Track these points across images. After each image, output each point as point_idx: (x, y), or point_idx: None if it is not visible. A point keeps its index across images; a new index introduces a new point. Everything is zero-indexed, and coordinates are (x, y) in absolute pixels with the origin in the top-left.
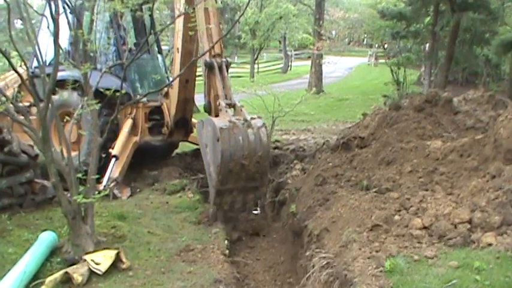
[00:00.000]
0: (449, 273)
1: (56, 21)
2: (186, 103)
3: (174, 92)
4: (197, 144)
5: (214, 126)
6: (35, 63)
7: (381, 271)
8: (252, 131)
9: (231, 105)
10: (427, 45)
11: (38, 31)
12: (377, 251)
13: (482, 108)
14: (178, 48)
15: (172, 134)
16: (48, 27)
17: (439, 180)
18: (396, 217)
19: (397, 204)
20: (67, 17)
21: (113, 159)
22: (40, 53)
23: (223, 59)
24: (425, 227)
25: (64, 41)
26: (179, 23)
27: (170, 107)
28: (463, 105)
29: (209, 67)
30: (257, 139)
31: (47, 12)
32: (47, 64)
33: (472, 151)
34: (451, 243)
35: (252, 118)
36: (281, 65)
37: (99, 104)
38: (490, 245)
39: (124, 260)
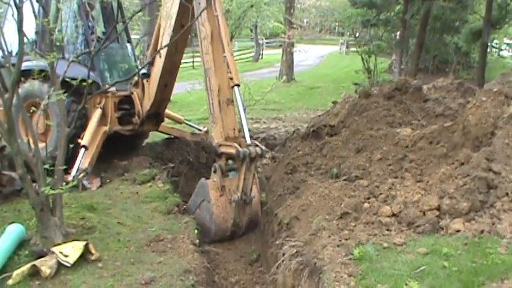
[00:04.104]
0: (418, 259)
1: (19, 9)
2: (162, 102)
3: (151, 93)
4: (168, 134)
5: (212, 227)
6: (1, 53)
7: (350, 259)
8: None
9: (245, 201)
10: (398, 33)
11: (3, 21)
12: (346, 239)
13: (451, 96)
14: (160, 54)
15: (143, 124)
16: (13, 15)
17: (409, 167)
18: (365, 205)
19: (367, 192)
20: (32, 6)
21: (82, 150)
22: (5, 42)
23: (257, 148)
24: (394, 215)
25: (30, 31)
26: (166, 30)
27: (144, 103)
28: (432, 92)
29: (241, 160)
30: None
31: (12, 1)
32: (14, 54)
33: (441, 138)
34: (420, 230)
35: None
36: (252, 54)
37: (66, 94)
38: (458, 231)
39: (93, 251)
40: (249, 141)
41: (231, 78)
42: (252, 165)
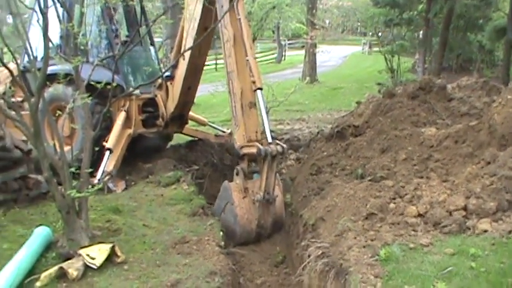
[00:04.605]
0: (445, 260)
1: (45, 15)
2: (185, 104)
3: (174, 95)
4: (192, 136)
5: (236, 229)
6: (27, 58)
7: (376, 260)
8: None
9: (268, 200)
10: (421, 32)
11: (28, 26)
12: (372, 240)
13: (476, 95)
14: (184, 56)
15: (167, 126)
16: (38, 21)
17: (434, 167)
18: (391, 205)
19: (392, 192)
20: (57, 11)
21: (107, 153)
22: (30, 47)
23: (278, 146)
24: (420, 215)
25: (55, 35)
26: (190, 32)
27: (168, 105)
28: (457, 91)
29: (263, 158)
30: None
31: (37, 7)
32: (39, 59)
33: (466, 137)
34: (447, 230)
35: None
36: (275, 55)
37: (91, 97)
38: (485, 231)
39: (119, 253)
40: (270, 140)
41: (254, 82)
42: (274, 163)
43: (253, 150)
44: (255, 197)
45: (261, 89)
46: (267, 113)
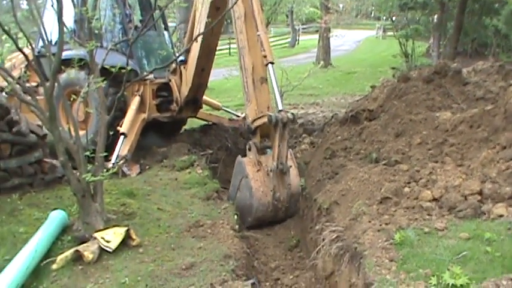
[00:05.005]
0: (459, 245)
1: None
2: (199, 87)
3: (188, 78)
4: (206, 120)
5: (252, 202)
6: (41, 43)
7: (391, 243)
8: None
9: (283, 171)
10: (436, 16)
11: (43, 10)
12: (387, 224)
13: (491, 79)
14: (197, 39)
15: (181, 111)
16: (52, 5)
17: (449, 151)
18: (406, 189)
19: (407, 177)
20: None
21: (121, 137)
22: (45, 32)
23: (289, 113)
24: (435, 199)
25: (69, 20)
26: (202, 13)
27: (182, 89)
28: (472, 76)
29: (274, 125)
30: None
31: None
32: (53, 43)
33: (482, 122)
34: (462, 214)
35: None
36: (289, 40)
37: (106, 82)
38: (500, 216)
39: (134, 237)
40: (280, 108)
41: (265, 56)
42: (285, 131)
43: (265, 119)
44: (269, 167)
45: (272, 63)
46: (281, 95)
